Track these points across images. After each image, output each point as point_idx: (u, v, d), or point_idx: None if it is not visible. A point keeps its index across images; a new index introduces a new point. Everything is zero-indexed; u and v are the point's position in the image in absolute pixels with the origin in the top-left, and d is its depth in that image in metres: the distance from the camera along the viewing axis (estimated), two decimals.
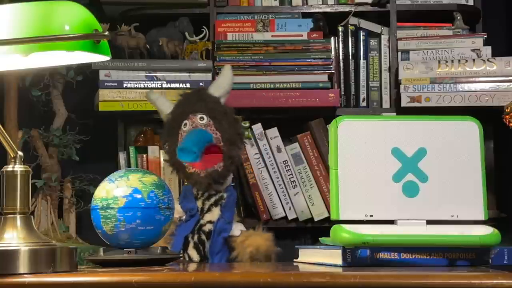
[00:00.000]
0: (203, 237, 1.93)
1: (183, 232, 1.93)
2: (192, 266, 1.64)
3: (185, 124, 1.93)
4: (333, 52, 2.50)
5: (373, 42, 2.54)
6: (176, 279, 1.22)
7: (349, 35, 2.53)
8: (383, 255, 1.42)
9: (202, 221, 1.94)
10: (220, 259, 1.93)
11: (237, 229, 1.96)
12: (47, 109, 2.42)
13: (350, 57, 2.53)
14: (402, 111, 2.39)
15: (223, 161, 1.92)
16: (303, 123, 2.47)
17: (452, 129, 1.49)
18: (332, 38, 2.53)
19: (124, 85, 2.40)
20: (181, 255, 1.66)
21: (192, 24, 2.52)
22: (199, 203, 1.94)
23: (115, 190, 1.52)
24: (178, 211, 1.93)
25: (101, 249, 1.53)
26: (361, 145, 1.47)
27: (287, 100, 2.37)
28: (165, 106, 2.04)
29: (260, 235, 1.94)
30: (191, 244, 1.93)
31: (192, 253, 1.93)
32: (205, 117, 1.93)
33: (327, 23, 2.49)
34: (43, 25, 1.22)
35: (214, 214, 1.93)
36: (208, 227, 1.93)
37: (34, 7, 1.24)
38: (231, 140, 1.93)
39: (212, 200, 1.94)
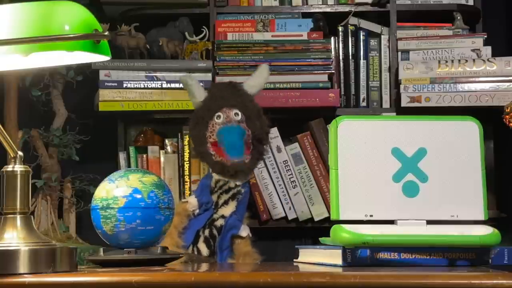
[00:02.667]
0: (215, 232, 1.94)
1: (196, 226, 1.94)
2: (192, 266, 1.64)
3: (218, 117, 1.96)
4: (333, 52, 2.50)
5: (373, 42, 2.54)
6: (176, 279, 1.22)
7: (349, 35, 2.53)
8: (383, 255, 1.42)
9: (215, 216, 1.95)
10: (227, 256, 1.94)
11: (245, 230, 1.98)
12: (47, 109, 2.42)
13: (350, 57, 2.53)
14: (402, 111, 2.39)
15: (251, 155, 1.97)
16: (303, 123, 2.47)
17: (452, 129, 1.49)
18: (332, 38, 2.53)
19: (124, 85, 2.40)
20: (181, 255, 1.66)
21: (192, 24, 2.52)
22: (214, 197, 1.96)
23: (115, 190, 1.52)
24: (193, 205, 1.95)
25: (101, 249, 1.53)
26: (361, 145, 1.47)
27: (287, 100, 2.37)
28: (199, 93, 2.04)
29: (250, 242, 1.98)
30: (201, 238, 1.94)
31: (202, 247, 1.94)
32: (240, 113, 1.97)
33: (327, 23, 2.49)
34: (43, 25, 1.22)
35: (229, 208, 1.96)
36: (220, 222, 1.94)
37: (34, 7, 1.24)
38: (260, 138, 1.99)
39: (230, 193, 1.96)
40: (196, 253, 1.93)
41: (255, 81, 2.06)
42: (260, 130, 1.99)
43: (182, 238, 1.92)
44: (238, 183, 1.96)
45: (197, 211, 1.96)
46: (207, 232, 1.94)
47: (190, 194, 2.05)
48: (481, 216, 1.46)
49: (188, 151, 2.43)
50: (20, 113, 2.38)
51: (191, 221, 1.95)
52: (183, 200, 2.00)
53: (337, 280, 1.19)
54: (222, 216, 1.94)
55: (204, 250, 1.93)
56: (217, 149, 1.96)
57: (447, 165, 1.47)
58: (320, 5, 2.54)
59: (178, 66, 2.43)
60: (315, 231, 2.37)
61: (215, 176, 1.96)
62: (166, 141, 2.48)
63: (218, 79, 2.39)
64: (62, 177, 2.40)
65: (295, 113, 2.46)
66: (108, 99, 2.39)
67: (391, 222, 1.45)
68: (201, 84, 2.13)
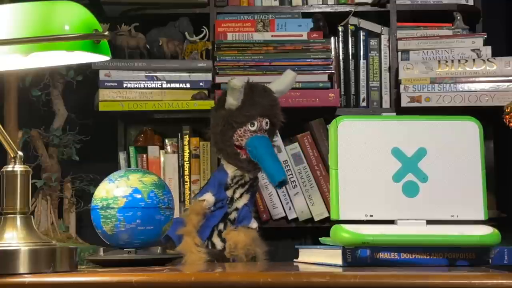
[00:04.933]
0: (229, 225, 1.94)
1: (212, 222, 1.94)
2: (192, 266, 1.64)
3: (252, 124, 1.94)
4: (333, 52, 2.50)
5: (373, 42, 2.54)
6: (176, 279, 1.22)
7: (349, 35, 2.53)
8: (383, 255, 1.42)
9: (229, 210, 1.94)
10: None
11: (255, 223, 1.98)
12: (47, 109, 2.42)
13: (350, 57, 2.53)
14: (402, 111, 2.39)
15: None
16: (303, 123, 2.47)
17: (452, 129, 1.49)
18: (332, 38, 2.53)
19: (124, 85, 2.40)
20: (182, 255, 1.66)
21: (192, 24, 2.52)
22: (229, 192, 1.95)
23: (115, 190, 1.52)
24: (210, 202, 1.94)
25: (101, 249, 1.54)
26: (361, 145, 1.47)
27: (287, 100, 2.36)
28: (240, 97, 1.97)
29: (243, 231, 1.94)
30: (215, 232, 1.94)
31: (216, 241, 1.93)
32: (269, 123, 1.97)
33: (327, 23, 2.48)
34: (43, 25, 1.22)
35: (243, 200, 1.96)
36: (233, 215, 1.94)
37: (34, 7, 1.24)
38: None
39: (246, 187, 1.96)
40: (210, 247, 1.93)
41: (282, 87, 2.04)
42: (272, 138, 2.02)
43: (199, 234, 1.92)
44: (253, 175, 1.97)
45: (212, 208, 1.95)
46: (221, 225, 1.94)
47: (196, 194, 2.02)
48: (481, 216, 1.46)
49: (188, 151, 2.43)
50: (20, 113, 2.38)
51: (209, 218, 1.95)
52: (199, 198, 1.97)
53: (337, 280, 1.19)
54: (236, 209, 1.94)
55: (218, 243, 1.93)
56: (242, 151, 1.95)
57: (447, 165, 1.47)
58: (320, 5, 2.54)
59: (178, 66, 2.43)
60: (315, 231, 2.37)
61: (231, 172, 1.95)
62: (166, 141, 2.47)
63: (218, 79, 2.39)
64: (62, 177, 2.40)
65: (295, 113, 2.45)
66: (108, 99, 2.39)
67: (391, 222, 1.45)
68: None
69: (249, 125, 1.94)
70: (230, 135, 1.94)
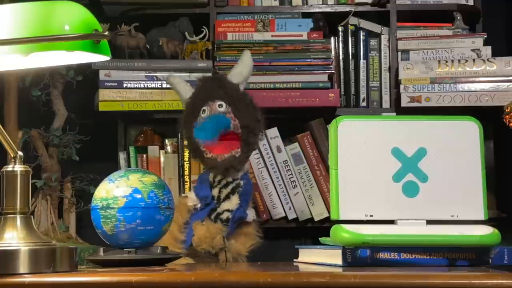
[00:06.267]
0: (219, 223, 1.93)
1: (193, 220, 1.93)
2: (192, 266, 1.64)
3: (204, 111, 1.94)
4: (333, 52, 2.50)
5: (373, 42, 2.54)
6: (176, 279, 1.22)
7: (349, 35, 2.53)
8: (383, 255, 1.42)
9: (219, 210, 1.93)
10: None
11: (251, 215, 1.97)
12: (47, 109, 2.42)
13: (350, 57, 2.53)
14: (402, 111, 2.39)
15: (240, 147, 1.94)
16: (303, 123, 2.47)
17: (452, 129, 1.49)
18: (332, 38, 2.53)
19: (124, 85, 2.40)
20: (181, 255, 1.66)
21: (192, 24, 2.52)
22: (215, 192, 1.95)
23: (115, 190, 1.52)
24: (193, 200, 1.95)
25: (101, 249, 1.53)
26: (361, 145, 1.47)
27: (287, 100, 2.37)
28: (185, 90, 2.04)
29: (210, 225, 1.92)
30: None
31: None
32: (223, 104, 1.94)
33: (327, 23, 2.49)
34: (43, 25, 1.22)
35: (233, 202, 1.94)
36: (226, 215, 1.93)
37: (34, 7, 1.24)
38: (249, 127, 1.95)
39: (230, 188, 1.95)
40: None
41: (238, 69, 2.02)
42: (249, 118, 1.95)
43: (184, 233, 1.91)
44: (223, 175, 1.95)
45: (198, 205, 1.95)
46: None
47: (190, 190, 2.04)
48: (481, 216, 1.46)
49: (188, 150, 2.43)
50: (20, 113, 2.38)
51: (193, 215, 1.95)
52: (182, 195, 1.99)
53: (337, 280, 1.19)
54: (228, 210, 1.93)
55: None
56: (208, 143, 1.94)
57: (447, 165, 1.47)
58: (320, 5, 2.54)
59: (178, 66, 2.43)
60: (315, 231, 2.37)
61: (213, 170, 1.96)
62: (166, 141, 2.48)
63: None
64: (62, 177, 2.40)
65: (295, 113, 2.46)
66: (108, 99, 2.39)
67: (391, 222, 1.45)
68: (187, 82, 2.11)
69: (201, 113, 1.94)
70: (191, 132, 1.95)
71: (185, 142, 2.02)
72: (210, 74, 2.41)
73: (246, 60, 2.04)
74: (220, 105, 1.93)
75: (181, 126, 2.02)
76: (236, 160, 1.93)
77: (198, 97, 1.98)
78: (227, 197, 1.94)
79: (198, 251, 1.89)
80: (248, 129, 1.94)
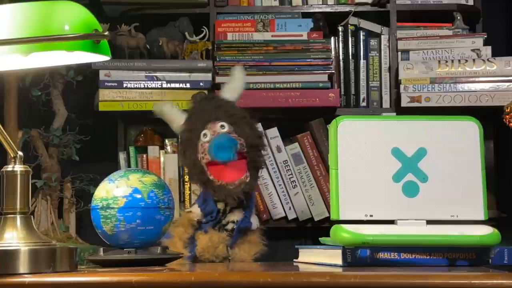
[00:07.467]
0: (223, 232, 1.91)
1: (200, 230, 1.92)
2: (192, 266, 1.64)
3: (205, 135, 1.85)
4: (333, 52, 2.50)
5: (373, 42, 2.54)
6: (176, 279, 1.22)
7: (349, 35, 2.54)
8: (383, 255, 1.42)
9: (224, 221, 1.90)
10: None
11: (254, 223, 1.94)
12: (47, 109, 2.42)
13: (350, 57, 2.53)
14: (402, 111, 2.39)
15: (248, 169, 1.86)
16: (303, 123, 2.47)
17: (452, 129, 1.49)
18: (332, 38, 2.53)
19: (124, 85, 2.40)
20: (181, 254, 1.65)
21: (192, 24, 2.52)
22: (221, 205, 1.88)
23: (115, 190, 1.52)
24: (197, 214, 1.90)
25: (101, 249, 1.53)
26: (361, 145, 1.47)
27: (287, 100, 2.37)
28: (178, 116, 1.93)
29: (214, 235, 1.88)
30: None
31: None
32: (225, 124, 1.85)
33: (327, 23, 2.49)
34: (43, 25, 1.22)
35: (238, 214, 1.89)
36: (231, 226, 1.89)
37: (34, 7, 1.24)
38: (254, 144, 1.87)
39: (236, 203, 1.88)
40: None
41: (232, 85, 1.96)
42: (252, 135, 1.88)
43: (187, 249, 1.89)
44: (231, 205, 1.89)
45: (203, 220, 1.91)
46: None
47: (193, 204, 2.00)
48: (481, 216, 1.46)
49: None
50: (20, 113, 2.38)
51: (197, 230, 1.92)
52: (186, 210, 1.93)
53: (337, 280, 1.19)
54: (233, 222, 1.90)
55: None
56: (214, 170, 1.85)
57: (447, 165, 1.47)
58: (320, 5, 2.54)
59: (178, 66, 2.43)
60: (315, 231, 2.37)
61: None
62: (166, 141, 2.48)
63: (218, 79, 2.38)
64: (62, 177, 2.40)
65: (295, 113, 2.46)
66: (108, 99, 2.39)
67: (391, 222, 1.45)
68: (176, 106, 2.00)
69: (202, 138, 1.85)
70: (193, 158, 1.85)
71: (188, 171, 1.94)
72: (210, 74, 2.42)
73: (239, 76, 1.97)
74: (222, 126, 1.85)
75: (180, 153, 1.93)
76: (247, 185, 1.85)
77: (195, 121, 1.87)
78: (231, 210, 1.90)
79: (201, 260, 1.87)
80: (254, 148, 1.87)
